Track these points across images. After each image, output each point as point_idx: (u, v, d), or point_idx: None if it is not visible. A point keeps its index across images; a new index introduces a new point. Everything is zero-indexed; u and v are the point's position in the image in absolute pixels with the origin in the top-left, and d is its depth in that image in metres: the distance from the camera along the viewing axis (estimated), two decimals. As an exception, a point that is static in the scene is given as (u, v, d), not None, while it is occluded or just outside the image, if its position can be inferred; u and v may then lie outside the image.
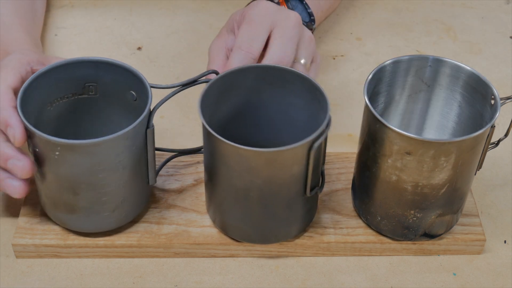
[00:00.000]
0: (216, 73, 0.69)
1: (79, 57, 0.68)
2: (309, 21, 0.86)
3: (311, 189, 0.66)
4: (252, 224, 0.67)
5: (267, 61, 0.72)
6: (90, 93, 0.70)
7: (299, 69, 0.74)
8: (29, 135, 0.63)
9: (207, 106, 0.65)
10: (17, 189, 0.65)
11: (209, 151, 0.65)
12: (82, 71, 0.68)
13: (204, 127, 0.62)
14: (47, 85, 0.66)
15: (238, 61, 0.71)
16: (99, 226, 0.68)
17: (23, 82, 0.66)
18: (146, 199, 0.71)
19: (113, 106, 0.71)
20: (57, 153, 0.61)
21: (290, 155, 0.62)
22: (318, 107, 0.66)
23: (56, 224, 0.70)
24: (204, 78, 0.68)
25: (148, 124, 0.65)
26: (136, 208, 0.70)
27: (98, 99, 0.71)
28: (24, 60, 0.68)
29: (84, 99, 0.70)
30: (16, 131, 0.62)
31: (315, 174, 0.65)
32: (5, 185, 0.66)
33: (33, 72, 0.67)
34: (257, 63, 0.72)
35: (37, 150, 0.63)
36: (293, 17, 0.75)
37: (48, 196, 0.67)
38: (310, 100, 0.67)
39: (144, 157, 0.67)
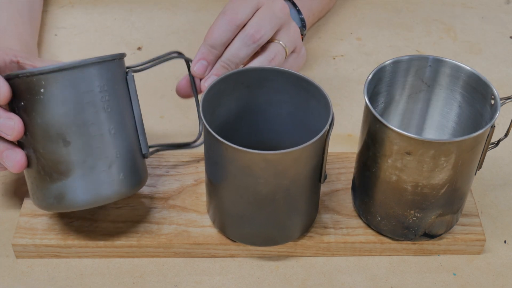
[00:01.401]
0: (179, 53, 0.71)
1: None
2: (301, 27, 0.87)
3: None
4: (277, 226, 0.68)
5: (244, 31, 0.73)
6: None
7: (275, 48, 0.75)
8: (15, 95, 0.62)
9: (205, 115, 0.65)
10: (17, 161, 0.64)
11: (216, 162, 0.64)
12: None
13: (212, 135, 0.62)
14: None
15: (220, 26, 0.73)
16: (97, 190, 0.64)
17: (5, 66, 0.67)
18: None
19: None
20: (42, 90, 0.61)
21: (313, 148, 0.62)
22: (307, 97, 0.67)
23: (57, 223, 0.70)
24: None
25: (127, 73, 0.66)
26: (132, 174, 0.66)
27: None
28: (10, 52, 0.68)
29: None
30: (1, 87, 0.62)
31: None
32: (4, 157, 0.64)
33: (19, 67, 0.68)
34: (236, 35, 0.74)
35: (22, 104, 0.62)
36: (280, 3, 0.76)
37: (39, 168, 0.64)
38: (296, 92, 0.68)
39: (129, 112, 0.67)
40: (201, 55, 0.73)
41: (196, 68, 0.73)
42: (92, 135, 0.63)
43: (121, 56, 0.67)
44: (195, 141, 0.76)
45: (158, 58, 0.71)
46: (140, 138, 0.69)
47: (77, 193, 0.64)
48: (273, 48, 0.75)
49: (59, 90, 0.62)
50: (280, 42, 0.76)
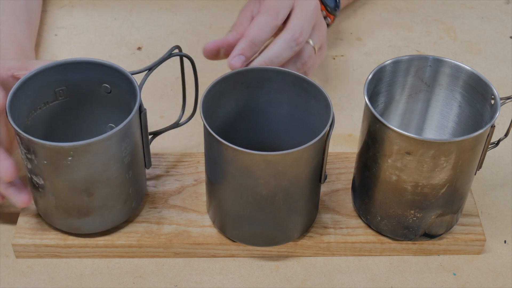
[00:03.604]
0: (179, 48, 0.70)
1: (48, 63, 0.67)
2: (334, 6, 0.88)
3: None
4: (277, 226, 0.68)
5: (287, 33, 0.73)
6: (60, 98, 0.69)
7: (308, 51, 0.76)
8: (31, 150, 0.62)
9: (205, 115, 0.65)
10: (20, 199, 0.66)
11: (216, 162, 0.64)
12: (52, 77, 0.67)
13: (212, 136, 0.62)
14: (25, 96, 0.66)
15: (263, 24, 0.73)
16: (112, 222, 0.69)
17: (3, 85, 0.66)
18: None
19: (88, 105, 0.71)
20: (69, 158, 0.61)
21: (313, 149, 0.62)
22: (307, 97, 0.67)
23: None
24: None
25: (140, 108, 0.65)
26: (141, 194, 0.71)
27: (71, 102, 0.70)
28: (5, 66, 0.68)
29: (57, 105, 0.70)
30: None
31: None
32: (8, 194, 0.66)
33: (15, 78, 0.67)
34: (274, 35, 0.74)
35: (44, 162, 0.62)
36: (314, 2, 0.77)
37: (58, 206, 0.66)
38: (296, 92, 0.68)
39: (141, 141, 0.67)
40: (241, 50, 0.72)
41: (233, 61, 0.71)
42: (113, 185, 0.66)
43: (143, 110, 0.66)
44: (180, 120, 0.76)
45: (162, 58, 0.70)
46: (146, 156, 0.70)
47: (94, 227, 0.68)
48: (306, 51, 0.76)
49: (88, 158, 0.62)
50: (311, 42, 0.76)
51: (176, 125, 0.76)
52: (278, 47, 0.73)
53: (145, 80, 0.67)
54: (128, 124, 0.63)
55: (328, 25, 0.88)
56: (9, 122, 0.62)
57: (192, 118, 0.77)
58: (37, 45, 0.94)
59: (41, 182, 0.64)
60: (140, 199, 0.71)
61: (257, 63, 0.72)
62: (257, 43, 0.72)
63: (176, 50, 0.70)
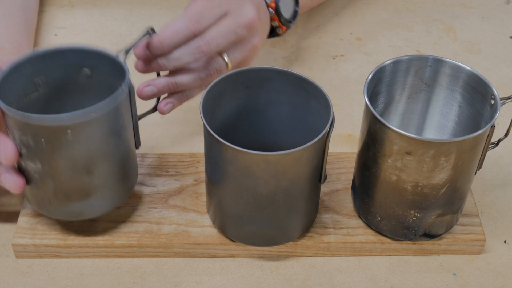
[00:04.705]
0: (153, 30, 0.69)
1: (27, 54, 0.65)
2: (290, 18, 0.85)
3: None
4: (277, 226, 0.68)
5: (195, 40, 0.71)
6: (39, 88, 0.68)
7: (216, 65, 0.74)
8: (26, 131, 0.61)
9: (205, 115, 0.65)
10: (16, 184, 0.64)
11: (216, 162, 0.64)
12: (31, 68, 0.66)
13: (212, 136, 0.62)
14: (6, 88, 0.64)
15: (178, 28, 0.70)
16: (112, 203, 0.68)
17: None
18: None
19: (68, 93, 0.70)
20: (69, 131, 0.60)
21: (313, 149, 0.62)
22: (307, 97, 0.67)
23: (57, 223, 0.70)
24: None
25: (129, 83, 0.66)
26: (135, 173, 0.71)
27: (51, 92, 0.69)
28: None
29: (37, 96, 0.68)
30: None
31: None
32: (3, 180, 0.64)
33: None
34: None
35: (42, 140, 0.61)
36: (249, 16, 0.74)
37: (56, 191, 0.65)
38: (296, 92, 0.68)
39: (131, 119, 0.67)
40: (148, 44, 0.70)
41: (136, 50, 0.70)
42: (112, 161, 0.65)
43: (132, 87, 0.65)
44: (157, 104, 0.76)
45: (139, 38, 0.69)
46: (136, 136, 0.70)
47: (94, 209, 0.68)
48: (215, 64, 0.74)
49: (88, 131, 0.61)
50: (225, 58, 0.74)
51: (154, 109, 0.75)
52: (180, 51, 0.71)
53: (125, 60, 0.66)
54: (123, 97, 0.63)
55: (279, 34, 0.85)
56: (2, 108, 0.60)
57: (193, 120, 0.77)
58: (37, 45, 0.94)
59: (38, 166, 0.63)
60: (135, 178, 0.71)
61: (154, 62, 0.71)
62: (165, 45, 0.70)
63: (151, 31, 0.69)
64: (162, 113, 0.74)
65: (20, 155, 0.63)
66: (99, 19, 1.01)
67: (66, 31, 0.99)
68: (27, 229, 0.70)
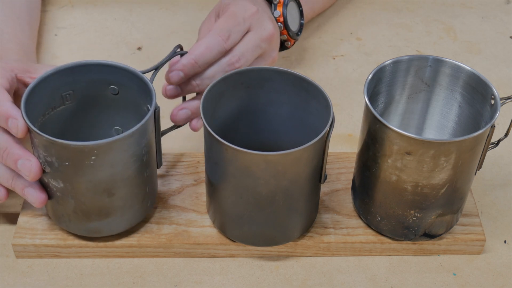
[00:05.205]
0: (181, 47, 0.70)
1: (55, 68, 0.66)
2: (297, 31, 0.87)
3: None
4: (277, 226, 0.68)
5: (226, 58, 0.73)
6: (67, 102, 0.69)
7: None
8: (51, 152, 0.61)
9: (205, 115, 0.65)
10: (38, 199, 0.65)
11: (216, 162, 0.64)
12: (59, 82, 0.67)
13: (212, 136, 0.62)
14: (34, 102, 0.65)
15: (210, 45, 0.71)
16: (130, 222, 0.69)
17: (9, 85, 0.66)
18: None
19: (94, 108, 0.71)
20: (93, 157, 0.61)
21: (313, 149, 0.62)
22: (307, 97, 0.67)
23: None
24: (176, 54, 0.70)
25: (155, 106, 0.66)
26: (154, 193, 0.71)
27: (77, 106, 0.70)
28: (7, 67, 0.67)
29: (64, 110, 0.69)
30: (19, 122, 0.62)
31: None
32: (26, 194, 0.66)
33: (18, 80, 0.67)
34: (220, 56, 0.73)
35: (66, 164, 0.61)
36: (269, 29, 0.77)
37: (76, 209, 0.66)
38: (296, 92, 0.68)
39: (154, 140, 0.67)
40: (181, 66, 0.71)
41: (171, 75, 0.71)
42: (133, 184, 0.66)
43: (157, 108, 0.66)
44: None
45: (168, 56, 0.70)
46: (158, 155, 0.70)
47: (113, 227, 0.68)
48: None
49: (111, 156, 0.62)
50: None
51: (178, 125, 0.76)
52: (213, 70, 0.72)
53: (153, 79, 0.67)
54: (147, 121, 0.63)
55: (287, 47, 0.87)
56: (29, 126, 0.61)
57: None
58: (37, 45, 0.94)
59: (60, 185, 0.64)
60: (154, 198, 0.71)
61: (190, 84, 0.73)
62: (200, 63, 0.71)
63: (179, 49, 0.70)
64: (197, 130, 0.75)
65: (44, 171, 0.64)
66: (99, 19, 1.01)
67: (66, 31, 0.99)
68: (27, 229, 0.70)
